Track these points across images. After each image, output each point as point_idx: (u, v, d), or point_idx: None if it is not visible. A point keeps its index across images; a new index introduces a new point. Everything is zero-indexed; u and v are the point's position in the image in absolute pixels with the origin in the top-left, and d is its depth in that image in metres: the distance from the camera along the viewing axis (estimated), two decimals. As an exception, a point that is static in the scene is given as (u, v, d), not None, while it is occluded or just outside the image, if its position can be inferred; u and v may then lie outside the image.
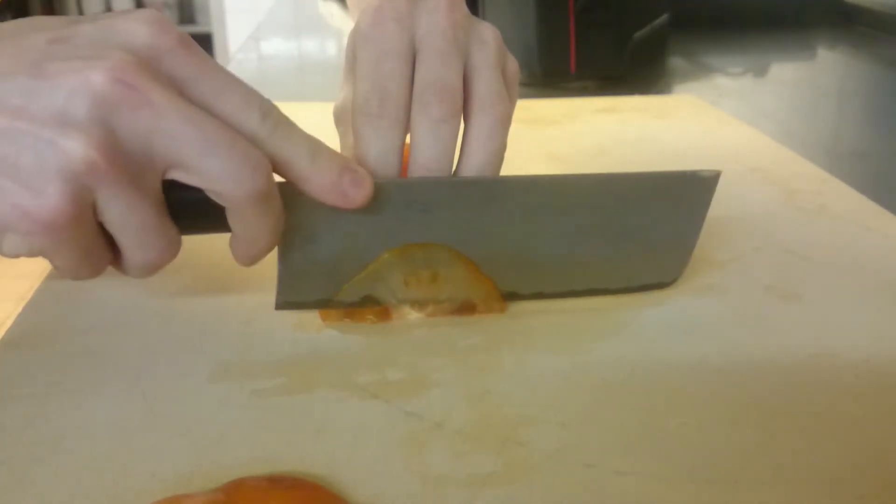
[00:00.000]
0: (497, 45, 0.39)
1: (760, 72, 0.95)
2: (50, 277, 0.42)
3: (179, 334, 0.37)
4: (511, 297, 0.39)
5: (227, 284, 0.41)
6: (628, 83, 0.82)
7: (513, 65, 0.40)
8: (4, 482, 0.28)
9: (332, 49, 1.07)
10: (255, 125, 0.31)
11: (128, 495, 0.28)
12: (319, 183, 0.33)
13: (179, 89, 0.30)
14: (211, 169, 0.30)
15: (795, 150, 0.62)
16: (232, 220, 0.32)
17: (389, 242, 0.36)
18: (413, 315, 0.39)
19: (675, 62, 0.95)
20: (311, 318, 0.38)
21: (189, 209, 0.32)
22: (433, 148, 0.36)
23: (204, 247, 0.40)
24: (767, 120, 0.75)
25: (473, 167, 0.37)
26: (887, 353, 0.36)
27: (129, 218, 0.30)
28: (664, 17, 0.88)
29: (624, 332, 0.38)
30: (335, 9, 1.26)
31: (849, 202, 0.53)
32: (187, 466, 0.29)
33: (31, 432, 0.31)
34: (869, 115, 0.83)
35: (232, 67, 0.93)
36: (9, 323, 0.38)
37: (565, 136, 0.66)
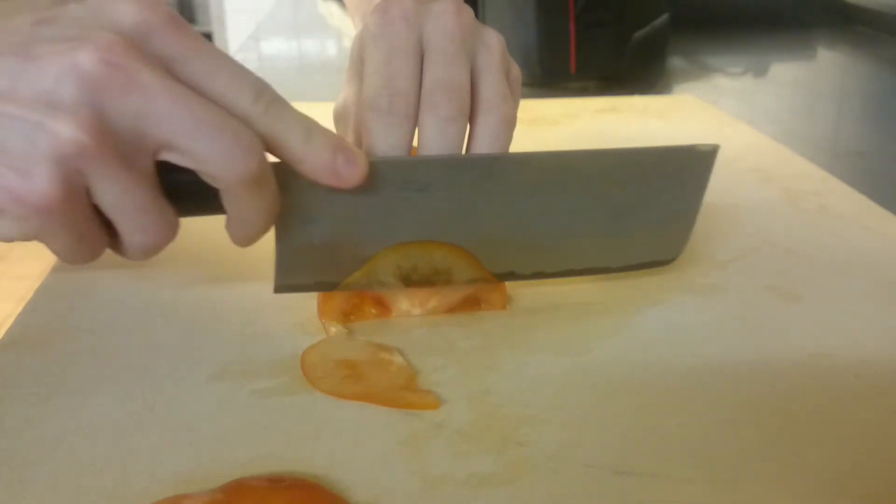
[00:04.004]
0: (501, 49, 0.39)
1: (760, 72, 0.95)
2: (52, 275, 0.42)
3: (179, 334, 0.37)
4: (509, 277, 0.39)
5: (228, 284, 0.41)
6: (628, 83, 0.82)
7: (516, 69, 0.41)
8: (4, 482, 0.28)
9: (332, 49, 1.07)
10: (246, 105, 0.31)
11: (128, 495, 0.28)
12: (313, 163, 0.32)
13: (169, 69, 0.30)
14: (201, 150, 0.30)
15: (795, 150, 0.62)
16: (226, 201, 0.32)
17: (387, 222, 0.36)
18: (415, 310, 0.39)
19: (675, 62, 0.95)
20: (312, 318, 0.38)
21: (184, 191, 0.32)
22: (441, 146, 0.36)
23: (203, 247, 0.40)
24: (767, 120, 0.75)
25: None
26: (887, 353, 0.36)
27: (123, 200, 0.30)
28: (664, 17, 0.87)
29: (624, 332, 0.38)
30: (335, 9, 1.26)
31: (849, 202, 0.53)
32: (187, 467, 0.29)
33: (31, 432, 0.31)
34: (869, 115, 0.83)
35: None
36: (9, 323, 0.38)
37: (565, 136, 0.66)
